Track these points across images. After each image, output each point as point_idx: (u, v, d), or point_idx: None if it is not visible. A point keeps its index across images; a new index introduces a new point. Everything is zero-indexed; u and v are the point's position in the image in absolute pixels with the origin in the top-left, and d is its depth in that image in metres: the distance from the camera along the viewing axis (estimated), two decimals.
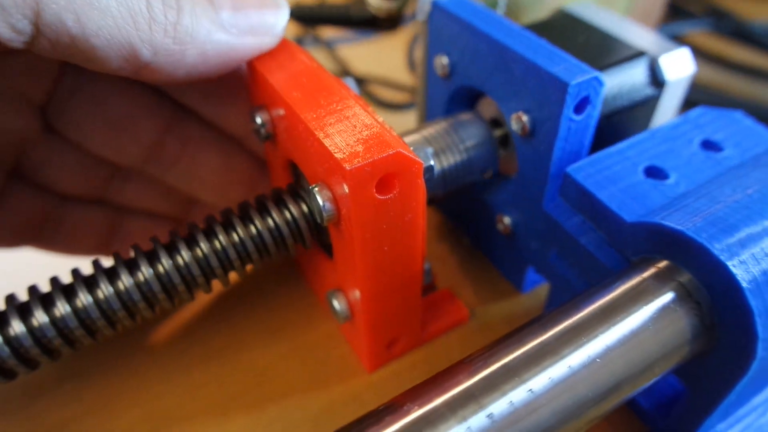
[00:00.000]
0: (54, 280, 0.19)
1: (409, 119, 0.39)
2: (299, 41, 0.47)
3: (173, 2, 0.17)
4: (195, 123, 0.24)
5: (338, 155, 0.16)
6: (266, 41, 0.20)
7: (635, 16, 0.31)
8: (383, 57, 0.45)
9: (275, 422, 0.22)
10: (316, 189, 0.17)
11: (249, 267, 0.21)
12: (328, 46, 0.47)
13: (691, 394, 0.18)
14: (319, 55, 0.46)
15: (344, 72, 0.44)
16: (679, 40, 0.44)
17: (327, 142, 0.16)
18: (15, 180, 0.22)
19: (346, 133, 0.17)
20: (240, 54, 0.19)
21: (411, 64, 0.44)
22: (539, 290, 0.26)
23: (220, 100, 0.23)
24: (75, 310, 0.18)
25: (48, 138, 0.22)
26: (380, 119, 0.18)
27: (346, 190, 0.16)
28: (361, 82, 0.43)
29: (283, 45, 0.21)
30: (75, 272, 0.19)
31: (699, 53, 0.43)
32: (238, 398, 0.23)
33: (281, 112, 0.19)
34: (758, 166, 0.19)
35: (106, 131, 0.22)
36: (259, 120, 0.20)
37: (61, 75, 0.21)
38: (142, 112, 0.23)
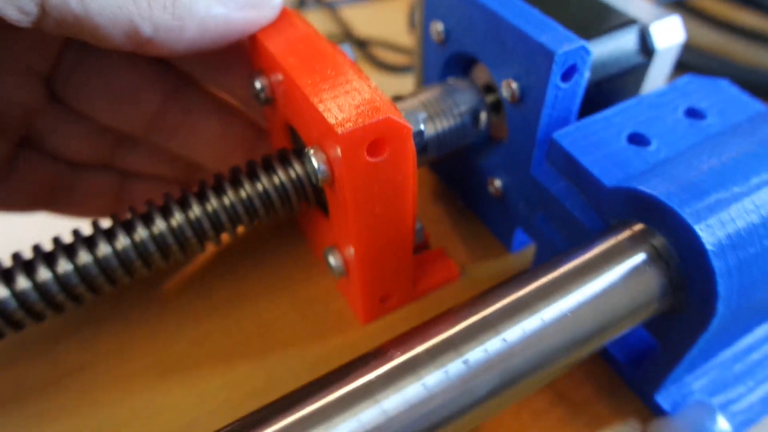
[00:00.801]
0: (75, 232, 0.21)
1: (409, 82, 0.40)
2: (302, 2, 0.47)
3: None
4: (195, 91, 0.25)
5: (331, 120, 0.17)
6: (266, 14, 0.20)
7: None
8: (385, 19, 0.45)
9: (276, 369, 0.23)
10: (311, 152, 0.18)
11: (256, 223, 0.22)
12: (330, 7, 0.47)
13: (660, 347, 0.20)
14: (322, 17, 0.46)
15: (346, 34, 0.44)
16: (682, 3, 0.43)
17: (321, 108, 0.17)
18: (25, 148, 0.23)
19: (340, 99, 0.18)
20: (239, 28, 0.20)
21: (412, 23, 0.44)
22: (527, 250, 0.27)
23: (219, 68, 0.24)
24: (96, 260, 0.20)
25: (54, 107, 0.23)
26: (373, 85, 0.19)
27: (339, 153, 0.17)
28: (362, 44, 0.43)
29: (283, 12, 0.21)
30: (95, 225, 0.21)
31: (702, 16, 0.43)
32: (242, 347, 0.24)
33: (279, 77, 0.20)
34: (736, 134, 0.19)
35: (109, 101, 0.23)
36: (258, 85, 0.21)
37: (64, 47, 0.22)
38: (144, 81, 0.24)
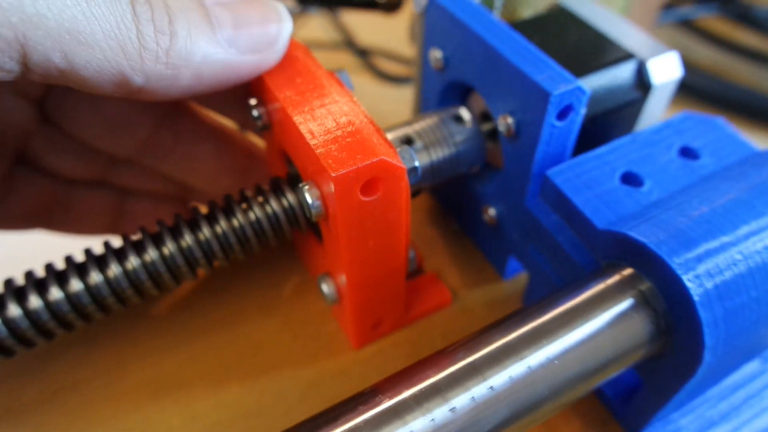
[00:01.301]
0: (68, 259, 0.21)
1: (409, 93, 0.40)
2: (304, 9, 0.47)
3: (165, 28, 0.17)
4: (188, 117, 0.25)
5: (325, 161, 0.17)
6: (268, 58, 0.20)
7: (635, 7, 0.31)
8: (387, 28, 0.45)
9: (267, 391, 0.24)
10: (306, 187, 0.19)
11: (249, 251, 0.22)
12: (332, 14, 0.46)
13: (647, 387, 0.20)
14: (324, 24, 0.46)
15: (348, 42, 0.44)
16: (685, 23, 0.43)
17: (315, 146, 0.17)
18: (21, 166, 0.23)
19: (334, 137, 0.18)
20: (240, 72, 0.19)
21: (413, 39, 0.44)
22: (520, 278, 0.27)
23: (212, 96, 0.24)
24: (87, 288, 0.20)
25: (47, 128, 0.23)
26: (369, 117, 0.19)
27: (333, 191, 0.17)
28: (363, 53, 0.43)
29: None
30: (87, 252, 0.21)
31: (705, 36, 0.43)
32: (234, 368, 0.24)
33: (276, 106, 0.20)
34: (727, 179, 0.19)
35: (101, 125, 0.23)
36: (255, 113, 0.21)
37: None
38: (135, 108, 0.24)
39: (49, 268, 0.20)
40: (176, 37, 0.17)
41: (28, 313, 0.19)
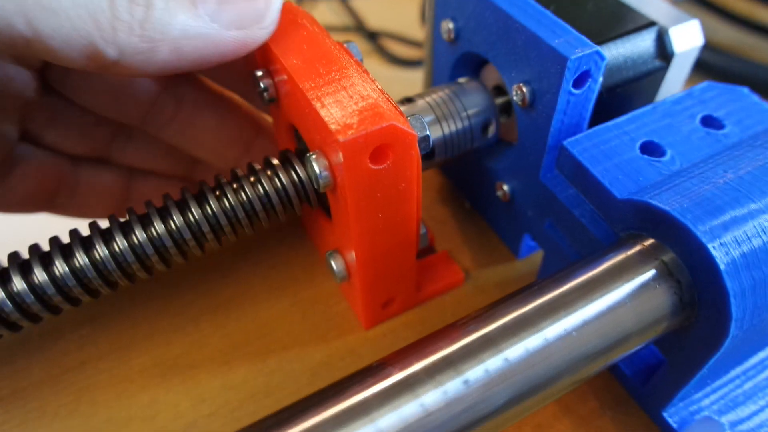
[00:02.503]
0: (73, 232, 0.20)
1: (420, 76, 0.39)
2: None
3: None
4: (191, 84, 0.24)
5: (333, 126, 0.16)
6: (255, 35, 0.18)
7: None
8: (397, 11, 0.44)
9: (275, 372, 0.23)
10: (314, 157, 0.18)
11: (257, 225, 0.22)
12: None
13: (669, 364, 0.19)
14: (334, 7, 0.45)
15: (358, 26, 0.43)
16: (705, 1, 0.42)
17: (323, 113, 0.17)
18: (24, 145, 0.23)
19: (343, 104, 0.17)
20: (223, 49, 0.18)
21: (424, 18, 0.43)
22: (534, 257, 0.27)
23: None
24: (93, 262, 0.20)
25: (49, 99, 0.23)
26: (379, 87, 0.18)
27: (341, 160, 0.17)
28: (374, 36, 0.42)
29: (286, 9, 0.21)
30: (92, 225, 0.20)
31: (722, 13, 0.42)
32: (242, 348, 0.24)
33: (283, 77, 0.20)
34: (754, 147, 0.19)
35: (103, 92, 0.23)
36: (262, 85, 0.21)
37: None
38: None
39: (53, 241, 0.20)
40: (152, 8, 0.16)
41: (32, 287, 0.19)
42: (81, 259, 0.19)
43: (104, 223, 0.21)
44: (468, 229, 0.28)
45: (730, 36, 0.41)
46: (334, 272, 0.22)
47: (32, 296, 0.19)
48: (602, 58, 0.19)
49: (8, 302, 0.19)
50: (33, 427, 0.22)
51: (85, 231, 0.21)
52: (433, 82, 0.27)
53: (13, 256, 0.20)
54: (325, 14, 0.45)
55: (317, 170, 0.18)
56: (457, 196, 0.29)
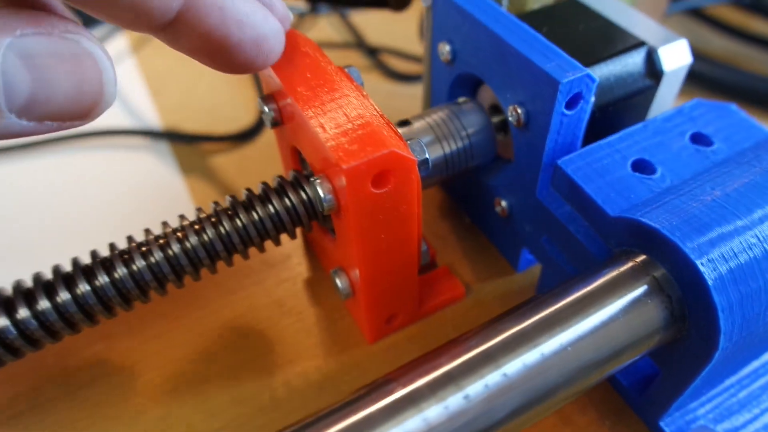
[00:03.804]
0: (94, 253, 0.21)
1: (419, 91, 0.40)
2: (313, 9, 0.47)
3: None
4: None
5: (336, 154, 0.17)
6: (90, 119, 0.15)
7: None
8: (396, 27, 0.45)
9: (283, 386, 0.24)
10: (318, 181, 0.19)
11: (267, 244, 0.22)
12: (342, 14, 0.47)
13: (664, 375, 0.20)
14: (334, 23, 0.46)
15: (357, 41, 0.44)
16: (695, 12, 0.43)
17: (326, 140, 0.18)
18: None
19: (345, 130, 0.18)
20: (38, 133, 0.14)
21: (422, 38, 0.44)
22: (533, 270, 0.27)
23: None
24: (112, 281, 0.21)
25: None
26: (379, 111, 0.19)
27: (344, 185, 0.17)
28: (373, 51, 0.43)
29: (290, 37, 0.22)
30: (111, 250, 0.22)
31: (716, 25, 0.43)
32: (250, 363, 0.25)
33: (287, 102, 0.20)
34: (741, 164, 0.19)
35: None
36: (266, 109, 0.22)
37: None
38: None
39: (75, 263, 0.21)
40: None
41: (56, 307, 0.20)
42: (102, 279, 0.20)
43: (122, 245, 0.22)
44: (468, 243, 0.29)
45: (723, 46, 0.42)
46: (339, 289, 0.23)
47: (35, 322, 0.20)
48: (593, 80, 0.20)
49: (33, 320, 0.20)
50: None
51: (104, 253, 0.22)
52: (431, 101, 0.28)
53: (37, 278, 0.21)
54: (325, 30, 0.46)
55: (321, 194, 0.19)
56: (456, 211, 0.30)
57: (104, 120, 0.36)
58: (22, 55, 0.13)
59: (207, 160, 0.35)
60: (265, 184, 0.22)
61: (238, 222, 0.21)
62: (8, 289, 0.21)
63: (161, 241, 0.21)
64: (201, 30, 0.16)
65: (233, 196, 0.22)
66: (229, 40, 0.17)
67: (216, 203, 0.22)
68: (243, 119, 0.38)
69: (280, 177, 0.22)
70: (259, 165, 0.35)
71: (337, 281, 0.23)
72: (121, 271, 0.21)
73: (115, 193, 0.33)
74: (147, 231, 0.22)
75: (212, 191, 0.33)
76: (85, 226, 0.31)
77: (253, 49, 0.17)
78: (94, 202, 0.33)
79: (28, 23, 0.13)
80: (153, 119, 0.38)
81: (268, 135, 0.36)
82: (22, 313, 0.20)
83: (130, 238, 0.22)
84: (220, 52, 0.17)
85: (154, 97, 0.40)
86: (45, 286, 0.20)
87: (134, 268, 0.20)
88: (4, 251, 0.30)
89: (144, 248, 0.21)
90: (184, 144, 0.36)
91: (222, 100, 0.39)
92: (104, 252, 0.22)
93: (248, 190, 0.22)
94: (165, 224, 0.22)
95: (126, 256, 0.21)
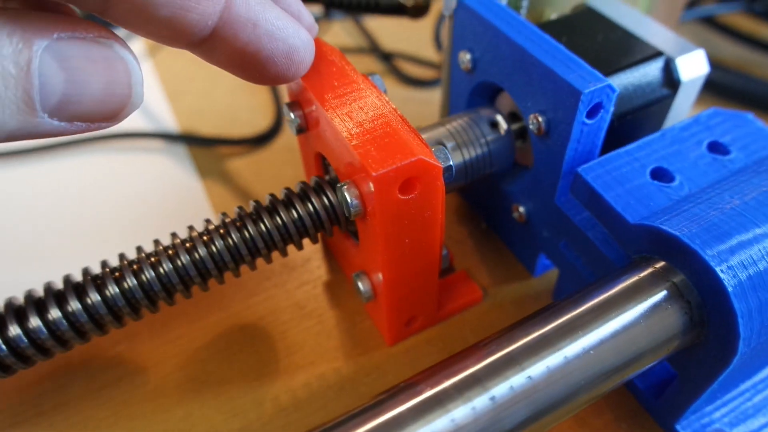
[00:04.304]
0: (122, 256, 0.22)
1: (433, 96, 0.40)
2: (327, 14, 0.48)
3: None
4: None
5: (366, 160, 0.18)
6: (114, 122, 0.16)
7: (659, 6, 0.32)
8: (410, 32, 0.46)
9: (304, 387, 0.24)
10: (345, 187, 0.19)
11: (289, 247, 0.23)
12: (356, 19, 0.47)
13: (681, 379, 0.20)
14: (348, 28, 0.47)
15: (371, 46, 0.45)
16: (711, 20, 0.43)
17: (355, 146, 0.18)
18: None
19: (374, 139, 0.18)
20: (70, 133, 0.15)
21: (437, 43, 0.44)
22: (549, 275, 0.28)
23: None
24: (140, 283, 0.21)
25: None
26: (404, 119, 0.19)
27: (372, 190, 0.18)
28: (387, 57, 0.44)
29: (316, 45, 0.22)
30: (139, 249, 0.22)
31: (729, 33, 0.43)
32: (271, 365, 0.25)
33: (314, 109, 0.21)
34: (759, 173, 0.20)
35: None
36: (292, 116, 0.22)
37: None
38: None
39: (104, 264, 0.22)
40: None
41: (86, 307, 0.21)
42: (130, 281, 0.21)
43: (149, 248, 0.22)
44: (485, 248, 0.29)
45: (736, 54, 0.42)
46: (361, 292, 0.23)
47: (65, 323, 0.21)
48: (613, 90, 0.20)
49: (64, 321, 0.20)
50: None
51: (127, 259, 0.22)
52: (450, 108, 0.29)
53: (66, 280, 0.21)
54: (340, 35, 0.47)
55: (348, 199, 0.19)
56: (473, 216, 0.31)
57: (122, 123, 0.37)
58: (58, 57, 0.14)
59: (223, 163, 0.36)
60: (288, 189, 0.22)
61: (263, 226, 0.22)
62: (39, 291, 0.21)
63: (188, 245, 0.22)
64: (235, 45, 0.17)
65: (257, 201, 0.22)
66: (262, 54, 0.17)
67: (240, 208, 0.22)
68: (259, 124, 0.38)
69: (303, 183, 0.22)
70: (275, 168, 0.35)
71: (360, 284, 0.23)
72: (148, 274, 0.21)
73: (133, 194, 0.34)
74: (173, 235, 0.22)
75: (228, 194, 0.34)
76: (104, 226, 0.32)
77: (284, 62, 0.18)
78: (113, 203, 0.33)
79: (65, 27, 0.14)
80: (170, 123, 0.39)
81: (284, 139, 0.37)
82: (54, 314, 0.20)
83: (157, 242, 0.22)
84: (253, 65, 0.17)
85: (170, 101, 0.40)
86: (75, 288, 0.21)
87: (161, 270, 0.21)
88: (28, 252, 0.31)
89: (171, 251, 0.22)
90: (201, 147, 0.37)
91: (238, 105, 0.40)
92: (131, 254, 0.23)
93: (272, 195, 0.22)
94: (191, 228, 0.22)
95: (153, 259, 0.21)
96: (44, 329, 0.20)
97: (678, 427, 0.21)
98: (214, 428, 0.23)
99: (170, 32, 0.15)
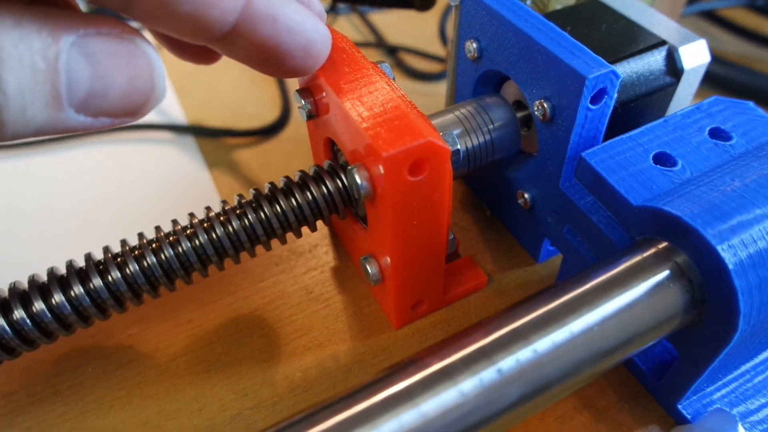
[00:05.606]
0: (117, 246, 0.22)
1: (438, 89, 0.41)
2: (333, 8, 0.48)
3: None
4: None
5: (376, 143, 0.18)
6: (137, 117, 0.16)
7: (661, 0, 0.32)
8: (416, 26, 0.46)
9: (312, 368, 0.25)
10: (355, 169, 0.20)
11: (304, 227, 0.23)
12: (361, 13, 0.48)
13: (682, 359, 0.21)
14: (354, 22, 0.47)
15: (377, 41, 0.45)
16: (711, 14, 0.44)
17: (366, 128, 0.19)
18: None
19: (384, 122, 0.19)
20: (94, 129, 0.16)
21: (443, 37, 0.45)
22: (553, 261, 0.28)
23: None
24: (159, 261, 0.22)
25: None
26: (414, 105, 0.20)
27: (382, 172, 0.18)
28: (393, 50, 0.44)
29: None
30: (157, 229, 0.23)
31: (730, 27, 0.43)
32: (280, 347, 0.26)
33: (324, 95, 0.21)
34: (759, 157, 0.20)
35: None
36: (303, 102, 0.23)
37: None
38: None
39: (123, 242, 0.22)
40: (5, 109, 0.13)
41: (88, 291, 0.21)
42: (143, 261, 0.21)
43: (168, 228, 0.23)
44: (489, 235, 0.30)
45: (736, 48, 0.43)
46: (369, 275, 0.24)
47: (88, 299, 0.21)
48: (617, 76, 0.21)
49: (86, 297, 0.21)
50: (92, 417, 0.24)
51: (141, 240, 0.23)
52: (455, 97, 0.29)
53: (88, 258, 0.22)
54: (345, 29, 0.47)
55: (358, 181, 0.20)
56: (478, 204, 0.31)
57: None
58: (85, 53, 0.14)
59: (231, 154, 0.36)
60: (302, 172, 0.23)
61: (278, 207, 0.22)
62: (43, 276, 0.22)
63: (191, 231, 0.22)
64: (255, 40, 0.17)
65: (272, 183, 0.23)
66: (281, 48, 0.18)
67: (256, 189, 0.23)
68: (266, 116, 0.39)
69: (317, 166, 0.23)
70: (282, 159, 0.36)
71: (368, 267, 0.24)
72: (150, 260, 0.22)
73: (143, 184, 0.34)
74: (174, 221, 0.23)
75: (236, 183, 0.34)
76: (113, 214, 0.32)
77: (302, 55, 0.18)
78: (123, 193, 0.34)
79: (90, 24, 0.15)
80: (179, 115, 0.39)
81: (291, 130, 0.38)
82: (57, 298, 0.21)
83: (158, 228, 0.23)
84: (271, 59, 0.18)
85: (179, 95, 0.41)
86: (78, 273, 0.21)
87: (180, 249, 0.22)
88: (37, 239, 0.31)
89: (172, 238, 0.22)
90: (209, 138, 0.37)
91: (245, 98, 0.40)
92: (133, 241, 0.23)
93: (287, 177, 0.23)
94: (208, 209, 0.23)
95: (155, 245, 0.22)
96: (47, 313, 0.21)
97: (680, 407, 0.22)
98: (225, 407, 0.24)
99: (192, 28, 0.16)
